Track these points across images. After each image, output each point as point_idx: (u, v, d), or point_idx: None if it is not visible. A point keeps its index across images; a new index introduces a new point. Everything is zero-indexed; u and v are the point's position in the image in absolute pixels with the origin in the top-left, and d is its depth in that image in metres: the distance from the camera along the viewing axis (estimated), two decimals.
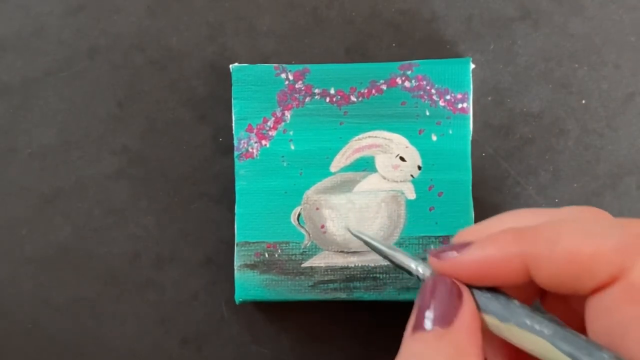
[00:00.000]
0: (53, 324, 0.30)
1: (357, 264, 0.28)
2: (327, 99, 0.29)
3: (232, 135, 0.29)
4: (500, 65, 0.30)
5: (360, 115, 0.29)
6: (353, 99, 0.29)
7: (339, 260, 0.28)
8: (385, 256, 0.24)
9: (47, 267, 0.30)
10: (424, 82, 0.28)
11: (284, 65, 0.29)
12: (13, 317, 0.31)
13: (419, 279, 0.22)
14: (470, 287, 0.20)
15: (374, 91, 0.29)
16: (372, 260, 0.28)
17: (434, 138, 0.28)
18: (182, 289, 0.30)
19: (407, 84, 0.28)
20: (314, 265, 0.28)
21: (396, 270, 0.28)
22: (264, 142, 0.29)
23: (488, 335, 0.20)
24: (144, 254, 0.30)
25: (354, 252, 0.28)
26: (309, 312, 0.30)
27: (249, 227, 0.28)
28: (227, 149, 0.30)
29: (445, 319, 0.19)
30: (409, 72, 0.28)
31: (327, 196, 0.29)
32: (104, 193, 0.30)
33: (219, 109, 0.30)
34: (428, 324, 0.19)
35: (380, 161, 0.29)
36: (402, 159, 0.29)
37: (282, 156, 0.29)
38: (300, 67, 0.29)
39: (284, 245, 0.28)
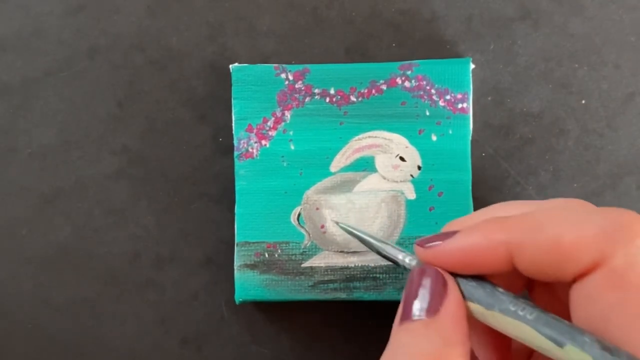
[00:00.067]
0: (53, 324, 0.30)
1: (357, 264, 0.28)
2: (327, 99, 0.29)
3: (232, 135, 0.29)
4: (500, 65, 0.30)
5: (360, 115, 0.29)
6: (353, 99, 0.29)
7: (339, 260, 0.28)
8: (373, 248, 0.24)
9: (47, 267, 0.30)
10: (424, 82, 0.28)
11: (284, 65, 0.29)
12: (13, 317, 0.31)
13: (406, 269, 0.23)
14: (456, 275, 0.20)
15: (374, 91, 0.29)
16: (372, 260, 0.28)
17: (434, 138, 0.28)
18: (182, 289, 0.30)
19: (407, 84, 0.28)
20: (314, 265, 0.28)
21: (396, 270, 0.28)
22: (264, 142, 0.29)
23: (473, 323, 0.20)
24: (144, 254, 0.30)
25: (354, 252, 0.28)
26: (309, 312, 0.30)
27: (249, 227, 0.28)
28: (227, 149, 0.30)
29: (431, 308, 0.19)
30: (409, 72, 0.28)
31: (327, 196, 0.29)
32: (104, 193, 0.30)
33: (219, 109, 0.30)
34: (415, 313, 0.19)
35: (380, 161, 0.29)
36: (402, 159, 0.29)
37: (282, 156, 0.29)
38: (300, 67, 0.29)
39: (284, 245, 0.28)
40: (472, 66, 0.29)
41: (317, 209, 0.28)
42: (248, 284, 0.28)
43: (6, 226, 0.30)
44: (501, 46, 0.30)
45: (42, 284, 0.30)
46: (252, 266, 0.28)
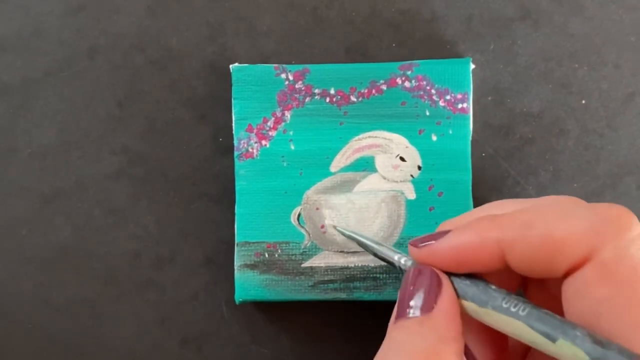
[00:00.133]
0: (53, 324, 0.30)
1: (357, 264, 0.28)
2: (327, 99, 0.29)
3: (232, 135, 0.29)
4: (500, 65, 0.30)
5: (360, 115, 0.29)
6: (353, 99, 0.29)
7: (339, 260, 0.28)
8: (370, 250, 0.25)
9: (47, 267, 0.30)
10: (424, 82, 0.28)
11: (284, 65, 0.29)
12: (13, 317, 0.31)
13: (402, 270, 0.23)
14: (450, 274, 0.21)
15: (374, 91, 0.29)
16: (372, 260, 0.28)
17: (434, 138, 0.28)
18: (182, 289, 0.30)
19: (407, 84, 0.28)
20: (314, 265, 0.28)
21: (396, 271, 0.28)
22: (264, 142, 0.29)
23: (470, 321, 0.21)
24: (144, 254, 0.30)
25: (354, 252, 0.28)
26: (309, 312, 0.30)
27: (249, 227, 0.28)
28: (227, 149, 0.30)
29: (425, 306, 0.20)
30: (409, 72, 0.28)
31: (327, 196, 0.29)
32: (104, 193, 0.30)
33: (219, 109, 0.30)
34: (409, 311, 0.20)
35: (380, 161, 0.29)
36: (402, 159, 0.29)
37: (282, 156, 0.29)
38: (300, 67, 0.29)
39: (284, 245, 0.28)
40: (472, 66, 0.29)
41: (317, 209, 0.28)
42: (248, 284, 0.28)
43: (6, 226, 0.30)
44: (501, 46, 0.30)
45: (42, 284, 0.30)
46: (252, 266, 0.28)
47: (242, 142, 0.29)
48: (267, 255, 0.28)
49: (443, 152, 0.28)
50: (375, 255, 0.25)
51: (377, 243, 0.25)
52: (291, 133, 0.29)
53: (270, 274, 0.28)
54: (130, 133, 0.30)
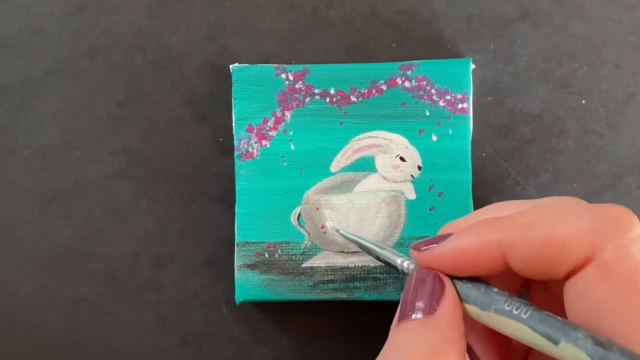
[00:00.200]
0: (53, 324, 0.30)
1: (357, 264, 0.28)
2: (327, 99, 0.29)
3: (232, 135, 0.29)
4: (500, 65, 0.30)
5: (360, 115, 0.29)
6: (353, 99, 0.29)
7: (339, 261, 0.28)
8: (372, 254, 0.25)
9: (47, 267, 0.30)
10: (424, 82, 0.28)
11: (284, 65, 0.29)
12: (13, 317, 0.31)
13: (404, 273, 0.23)
14: (452, 277, 0.21)
15: (374, 91, 0.29)
16: (372, 260, 0.28)
17: (434, 138, 0.28)
18: (182, 289, 0.30)
19: (407, 84, 0.28)
20: (314, 265, 0.28)
21: (396, 271, 0.28)
22: (264, 142, 0.29)
23: (471, 322, 0.21)
24: (144, 254, 0.30)
25: (354, 252, 0.28)
26: (309, 312, 0.30)
27: (249, 227, 0.28)
28: (227, 149, 0.30)
29: (428, 309, 0.20)
30: (409, 72, 0.28)
31: (327, 196, 0.29)
32: (104, 193, 0.30)
33: (219, 109, 0.30)
34: (412, 313, 0.20)
35: (380, 161, 0.29)
36: (402, 159, 0.29)
37: (282, 156, 0.29)
38: (300, 67, 0.29)
39: (284, 245, 0.28)
40: (472, 66, 0.29)
41: (317, 209, 0.28)
42: (248, 284, 0.28)
43: (6, 226, 0.30)
44: (501, 46, 0.30)
45: (42, 284, 0.30)
46: (252, 266, 0.28)
47: (242, 142, 0.29)
48: (267, 255, 0.28)
49: (443, 152, 0.28)
50: (378, 258, 0.25)
51: (379, 247, 0.25)
52: (291, 133, 0.29)
53: (271, 274, 0.28)
54: (130, 133, 0.30)
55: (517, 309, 0.19)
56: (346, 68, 0.29)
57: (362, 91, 0.29)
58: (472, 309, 0.20)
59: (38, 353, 0.31)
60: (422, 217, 0.28)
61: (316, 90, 0.29)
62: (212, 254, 0.30)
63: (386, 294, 0.28)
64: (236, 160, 0.29)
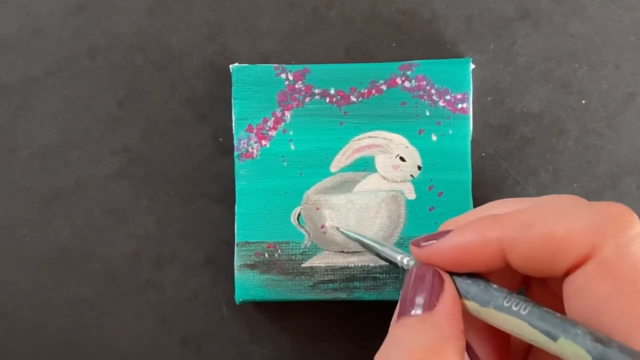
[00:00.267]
0: (53, 324, 0.30)
1: (357, 264, 0.28)
2: (327, 99, 0.29)
3: (232, 135, 0.29)
4: (500, 65, 0.30)
5: (360, 115, 0.29)
6: (353, 99, 0.29)
7: (339, 260, 0.28)
8: (372, 251, 0.25)
9: (47, 267, 0.30)
10: (424, 82, 0.28)
11: (284, 65, 0.29)
12: (13, 317, 0.31)
13: (404, 270, 0.23)
14: (451, 274, 0.21)
15: (374, 91, 0.29)
16: (372, 260, 0.28)
17: (434, 138, 0.28)
18: (182, 289, 0.30)
19: (407, 84, 0.28)
20: (314, 265, 0.28)
21: (396, 270, 0.28)
22: (264, 142, 0.29)
23: (470, 319, 0.21)
24: (144, 254, 0.30)
25: (354, 252, 0.28)
26: (309, 312, 0.30)
27: (249, 227, 0.28)
28: (227, 149, 0.30)
29: (427, 305, 0.20)
30: (409, 72, 0.28)
31: (327, 196, 0.29)
32: (104, 193, 0.30)
33: (219, 109, 0.30)
34: (411, 310, 0.20)
35: (380, 161, 0.29)
36: (402, 159, 0.29)
37: (282, 156, 0.29)
38: (300, 67, 0.29)
39: (284, 245, 0.28)
40: (472, 66, 0.29)
41: (317, 209, 0.28)
42: (248, 284, 0.28)
43: (6, 226, 0.30)
44: (501, 46, 0.30)
45: (42, 284, 0.30)
46: (252, 266, 0.28)
47: (242, 142, 0.29)
48: (267, 255, 0.28)
49: (443, 152, 0.28)
50: (378, 255, 0.25)
51: (379, 244, 0.25)
52: (291, 133, 0.29)
53: (270, 274, 0.28)
54: (130, 133, 0.30)
55: (516, 305, 0.19)
56: (346, 68, 0.29)
57: (362, 91, 0.29)
58: (471, 305, 0.20)
59: (38, 353, 0.31)
60: (422, 217, 0.28)
61: (316, 90, 0.29)
62: (212, 254, 0.30)
63: (386, 294, 0.28)
64: (236, 160, 0.29)
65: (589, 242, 0.18)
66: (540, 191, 0.30)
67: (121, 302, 0.30)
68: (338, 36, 0.30)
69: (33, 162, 0.30)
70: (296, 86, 0.29)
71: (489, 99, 0.30)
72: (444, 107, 0.28)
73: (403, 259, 0.23)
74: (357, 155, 0.29)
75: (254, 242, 0.28)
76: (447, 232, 0.21)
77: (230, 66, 0.29)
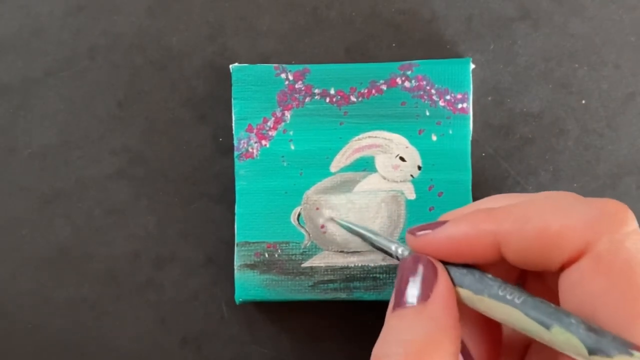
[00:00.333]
0: (53, 324, 0.30)
1: (357, 264, 0.28)
2: (327, 99, 0.29)
3: (232, 135, 0.29)
4: (500, 65, 0.30)
5: (360, 115, 0.29)
6: (353, 99, 0.29)
7: (339, 260, 0.28)
8: (366, 240, 0.26)
9: (47, 267, 0.30)
10: (424, 82, 0.28)
11: (284, 65, 0.29)
12: (13, 317, 0.31)
13: (398, 259, 0.23)
14: (446, 263, 0.21)
15: (374, 91, 0.29)
16: (372, 260, 0.28)
17: (434, 138, 0.28)
18: (182, 289, 0.30)
19: (407, 84, 0.28)
20: (314, 265, 0.28)
21: (396, 270, 0.28)
22: (264, 142, 0.29)
23: (464, 315, 0.21)
24: (144, 254, 0.30)
25: (354, 252, 0.28)
26: (309, 312, 0.30)
27: (249, 227, 0.28)
28: (227, 149, 0.30)
29: (422, 295, 0.20)
30: (409, 72, 0.28)
31: (327, 196, 0.29)
32: (104, 193, 0.30)
33: (219, 109, 0.30)
34: (406, 300, 0.20)
35: (380, 161, 0.29)
36: (402, 159, 0.29)
37: (282, 156, 0.29)
38: (300, 67, 0.29)
39: (284, 245, 0.28)
40: (472, 66, 0.29)
41: (317, 209, 0.28)
42: (248, 284, 0.28)
43: (6, 226, 0.30)
44: (501, 46, 0.30)
45: (42, 284, 0.30)
46: (252, 266, 0.28)
47: (242, 142, 0.29)
48: (267, 255, 0.28)
49: (443, 152, 0.28)
50: (373, 245, 0.25)
51: (374, 233, 0.25)
52: (291, 133, 0.29)
53: (270, 274, 0.28)
54: (130, 133, 0.30)
55: (510, 294, 0.19)
56: (346, 68, 0.29)
57: (362, 91, 0.29)
58: (465, 293, 0.20)
59: (38, 353, 0.31)
60: (422, 217, 0.28)
61: (316, 90, 0.29)
62: (212, 254, 0.30)
63: (386, 294, 0.28)
64: (236, 160, 0.29)
65: (584, 237, 0.18)
66: (540, 191, 0.30)
67: (121, 302, 0.30)
68: (338, 36, 0.30)
69: (33, 162, 0.30)
70: (296, 86, 0.29)
71: (489, 99, 0.30)
72: (444, 107, 0.28)
73: (397, 249, 0.23)
74: (357, 155, 0.29)
75: (254, 242, 0.28)
76: (443, 222, 0.21)
77: (230, 66, 0.29)
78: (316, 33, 0.30)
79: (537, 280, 0.22)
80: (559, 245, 0.18)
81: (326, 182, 0.29)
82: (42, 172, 0.30)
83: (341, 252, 0.28)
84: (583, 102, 0.30)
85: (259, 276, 0.28)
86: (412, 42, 0.30)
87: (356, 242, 0.28)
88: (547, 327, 0.18)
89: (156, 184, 0.30)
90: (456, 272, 0.20)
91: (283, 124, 0.29)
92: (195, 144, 0.30)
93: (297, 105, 0.29)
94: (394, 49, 0.30)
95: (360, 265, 0.28)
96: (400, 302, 0.20)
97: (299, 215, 0.29)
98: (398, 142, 0.29)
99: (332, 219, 0.28)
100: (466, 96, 0.28)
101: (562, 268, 0.19)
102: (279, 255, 0.28)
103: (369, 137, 0.29)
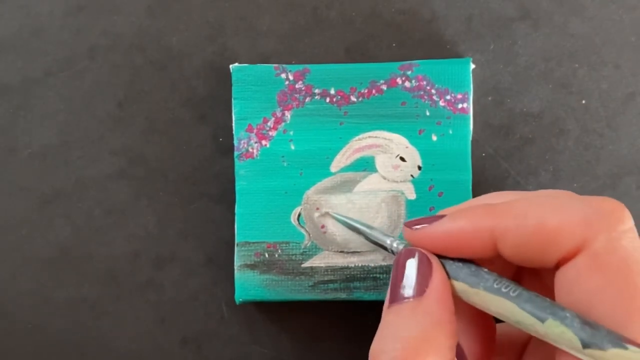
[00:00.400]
0: (53, 324, 0.30)
1: (357, 264, 0.28)
2: (327, 99, 0.29)
3: (232, 135, 0.29)
4: (500, 65, 0.30)
5: (360, 115, 0.29)
6: (353, 99, 0.29)
7: (339, 261, 0.28)
8: (362, 233, 0.26)
9: (47, 267, 0.30)
10: (424, 82, 0.28)
11: (284, 65, 0.29)
12: (13, 317, 0.31)
13: (394, 253, 0.23)
14: (441, 257, 0.21)
15: (374, 91, 0.29)
16: (372, 260, 0.28)
17: (434, 138, 0.28)
18: (182, 289, 0.30)
19: (407, 84, 0.28)
20: (314, 265, 0.28)
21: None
22: (264, 142, 0.29)
23: (459, 313, 0.21)
24: (144, 254, 0.30)
25: (354, 252, 0.28)
26: (309, 312, 0.30)
27: (249, 227, 0.28)
28: (227, 149, 0.30)
29: (417, 289, 0.20)
30: (409, 72, 0.28)
31: (327, 196, 0.29)
32: (104, 193, 0.30)
33: (219, 109, 0.30)
34: (402, 295, 0.20)
35: (380, 161, 0.29)
36: (402, 159, 0.29)
37: (282, 156, 0.29)
38: (300, 67, 0.29)
39: (284, 245, 0.28)
40: (472, 66, 0.29)
41: (318, 209, 0.28)
42: (248, 284, 0.28)
43: (6, 226, 0.30)
44: (501, 46, 0.30)
45: (42, 284, 0.30)
46: (252, 266, 0.28)
47: (242, 142, 0.29)
48: (267, 255, 0.28)
49: (443, 152, 0.28)
50: (368, 239, 0.25)
51: (369, 227, 0.25)
52: (291, 133, 0.29)
53: (270, 274, 0.28)
54: (130, 133, 0.30)
55: (505, 288, 0.19)
56: (346, 68, 0.29)
57: (362, 91, 0.29)
58: (460, 286, 0.20)
59: (38, 353, 0.31)
60: None
61: (316, 90, 0.29)
62: (212, 254, 0.30)
63: (386, 294, 0.28)
64: (236, 160, 0.29)
65: (581, 235, 0.18)
66: None
67: (121, 302, 0.30)
68: (338, 36, 0.30)
69: (33, 162, 0.30)
70: (296, 86, 0.29)
71: (489, 99, 0.30)
72: (444, 107, 0.28)
73: (392, 243, 0.24)
74: (357, 155, 0.29)
75: (254, 242, 0.28)
76: (441, 216, 0.21)
77: (230, 66, 0.29)
78: (316, 33, 0.30)
79: (532, 278, 0.22)
80: (556, 242, 0.18)
81: (326, 182, 0.29)
82: (42, 172, 0.30)
83: (341, 252, 0.28)
84: (583, 102, 0.30)
85: (259, 276, 0.28)
86: (412, 42, 0.30)
87: (356, 242, 0.28)
88: (542, 320, 0.18)
89: (156, 184, 0.30)
90: (452, 266, 0.21)
91: (283, 124, 0.29)
92: (195, 144, 0.30)
93: (297, 105, 0.29)
94: (394, 49, 0.30)
95: (360, 265, 0.28)
96: (396, 296, 0.20)
97: (299, 215, 0.29)
98: (398, 142, 0.29)
99: (327, 213, 0.28)
100: (466, 96, 0.28)
101: (558, 265, 0.19)
102: (279, 255, 0.28)
103: (369, 137, 0.29)
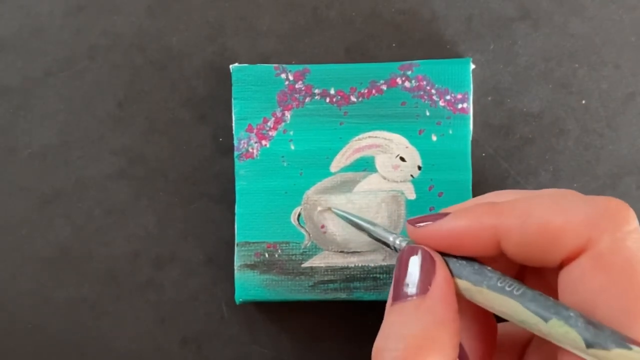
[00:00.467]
0: (53, 324, 0.30)
1: (357, 264, 0.28)
2: (327, 99, 0.29)
3: (232, 135, 0.29)
4: (500, 65, 0.30)
5: (360, 115, 0.29)
6: (353, 99, 0.29)
7: (339, 261, 0.28)
8: (364, 230, 0.25)
9: (47, 267, 0.30)
10: (424, 82, 0.28)
11: (284, 65, 0.29)
12: (13, 317, 0.31)
13: (396, 251, 0.23)
14: (445, 255, 0.21)
15: (374, 91, 0.29)
16: (372, 260, 0.28)
17: (434, 138, 0.28)
18: (182, 289, 0.30)
19: (407, 84, 0.28)
20: (314, 265, 0.28)
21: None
22: (264, 142, 0.29)
23: (461, 312, 0.21)
24: (144, 254, 0.30)
25: (354, 252, 0.28)
26: (309, 312, 0.30)
27: (249, 227, 0.28)
28: (227, 149, 0.30)
29: (420, 287, 0.20)
30: (409, 72, 0.28)
31: (327, 196, 0.29)
32: (104, 193, 0.30)
33: (219, 109, 0.30)
34: (405, 293, 0.20)
35: (380, 161, 0.29)
36: (402, 159, 0.29)
37: (282, 156, 0.29)
38: (300, 67, 0.29)
39: (284, 245, 0.28)
40: (472, 66, 0.29)
41: (318, 209, 0.28)
42: (248, 284, 0.28)
43: (6, 226, 0.30)
44: (501, 46, 0.30)
45: (42, 284, 0.30)
46: (252, 266, 0.28)
47: (242, 142, 0.29)
48: (267, 256, 0.28)
49: (443, 152, 0.28)
50: (370, 235, 0.25)
51: (371, 224, 0.25)
52: (291, 133, 0.29)
53: (270, 274, 0.28)
54: (130, 133, 0.30)
55: (509, 286, 0.19)
56: (346, 68, 0.29)
57: (362, 91, 0.29)
58: (463, 284, 0.20)
59: (38, 353, 0.31)
60: None
61: (316, 90, 0.29)
62: (212, 254, 0.30)
63: (386, 294, 0.28)
64: (236, 160, 0.29)
65: (585, 234, 0.18)
66: None
67: (121, 302, 0.30)
68: (338, 36, 0.30)
69: (33, 162, 0.30)
70: (296, 86, 0.29)
71: (489, 99, 0.30)
72: (444, 107, 0.28)
73: (395, 240, 0.23)
74: (357, 155, 0.29)
75: (254, 242, 0.28)
76: (445, 214, 0.21)
77: (230, 66, 0.29)
78: (316, 33, 0.30)
79: (535, 277, 0.22)
80: (560, 241, 0.18)
81: (326, 182, 0.29)
82: (42, 172, 0.30)
83: (341, 252, 0.28)
84: (583, 102, 0.30)
85: (259, 276, 0.28)
86: (412, 42, 0.30)
87: (356, 242, 0.28)
88: (546, 319, 0.18)
89: (156, 184, 0.30)
90: (455, 264, 0.20)
91: (283, 124, 0.29)
92: (195, 144, 0.30)
93: (297, 105, 0.29)
94: (394, 49, 0.30)
95: (360, 265, 0.28)
96: (399, 294, 0.20)
97: (299, 215, 0.29)
98: (398, 142, 0.29)
99: (329, 209, 0.28)
100: (466, 96, 0.28)
101: (562, 264, 0.19)
102: (279, 255, 0.28)
103: (369, 137, 0.29)
